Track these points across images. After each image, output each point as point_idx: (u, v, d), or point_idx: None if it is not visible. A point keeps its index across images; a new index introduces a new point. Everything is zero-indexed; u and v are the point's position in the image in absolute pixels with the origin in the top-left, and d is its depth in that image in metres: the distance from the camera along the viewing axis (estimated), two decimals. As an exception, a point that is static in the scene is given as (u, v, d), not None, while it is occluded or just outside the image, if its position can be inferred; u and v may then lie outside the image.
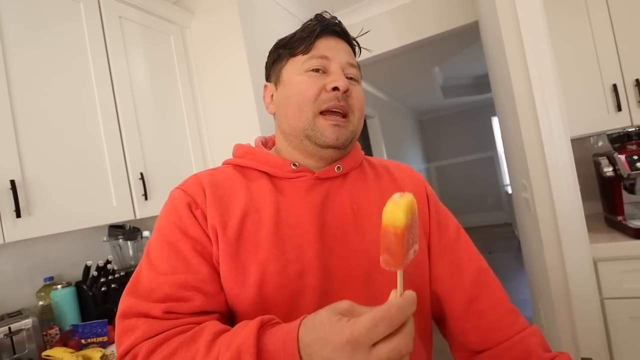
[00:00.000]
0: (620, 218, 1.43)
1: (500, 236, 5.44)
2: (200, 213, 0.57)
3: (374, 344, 0.35)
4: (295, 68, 0.63)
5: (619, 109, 1.51)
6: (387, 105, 4.75)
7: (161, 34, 1.72)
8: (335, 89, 0.59)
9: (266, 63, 0.70)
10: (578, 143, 1.81)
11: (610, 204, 1.51)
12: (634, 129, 1.44)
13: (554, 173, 1.31)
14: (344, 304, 0.39)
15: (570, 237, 1.29)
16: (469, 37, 2.72)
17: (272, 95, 0.68)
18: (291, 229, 0.58)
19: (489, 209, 6.50)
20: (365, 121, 3.92)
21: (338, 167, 0.64)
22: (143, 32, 1.63)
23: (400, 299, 0.36)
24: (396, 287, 0.60)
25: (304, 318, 0.41)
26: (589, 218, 1.59)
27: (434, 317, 0.71)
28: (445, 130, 6.80)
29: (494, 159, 6.43)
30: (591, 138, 1.85)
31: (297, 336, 0.39)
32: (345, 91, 0.60)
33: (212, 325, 0.48)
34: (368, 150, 4.03)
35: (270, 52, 0.69)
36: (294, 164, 0.63)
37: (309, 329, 0.39)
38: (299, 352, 0.38)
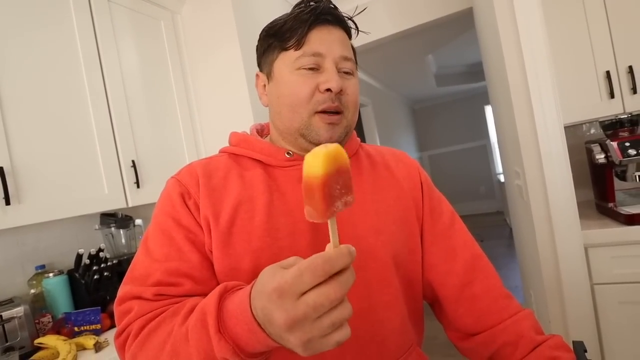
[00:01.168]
0: (611, 205, 1.45)
1: (492, 224, 5.51)
2: (193, 203, 0.58)
3: (305, 293, 0.35)
4: (287, 65, 0.60)
5: (612, 96, 1.51)
6: (381, 93, 4.73)
7: (151, 19, 1.68)
8: (328, 89, 0.58)
9: (257, 48, 0.67)
10: (571, 130, 1.82)
11: (602, 191, 1.53)
12: (626, 116, 1.45)
13: (547, 160, 1.31)
14: (290, 259, 0.39)
15: (562, 223, 1.30)
16: (463, 24, 2.70)
17: (264, 85, 0.66)
18: (284, 217, 0.58)
19: (481, 198, 6.56)
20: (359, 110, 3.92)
21: None
22: (133, 17, 1.59)
23: (328, 251, 0.36)
24: (387, 276, 0.61)
25: None
26: (581, 205, 1.61)
27: (428, 301, 0.71)
28: (439, 119, 6.81)
29: (486, 148, 6.47)
30: (584, 125, 1.86)
31: (250, 292, 0.41)
32: (339, 91, 0.58)
33: (194, 300, 0.50)
34: (362, 139, 4.03)
35: (261, 39, 0.65)
36: (288, 153, 0.63)
37: (256, 284, 0.41)
38: (250, 306, 0.40)
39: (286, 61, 0.60)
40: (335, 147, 0.37)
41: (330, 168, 0.36)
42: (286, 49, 0.60)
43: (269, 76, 0.64)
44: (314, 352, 0.37)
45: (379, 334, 0.59)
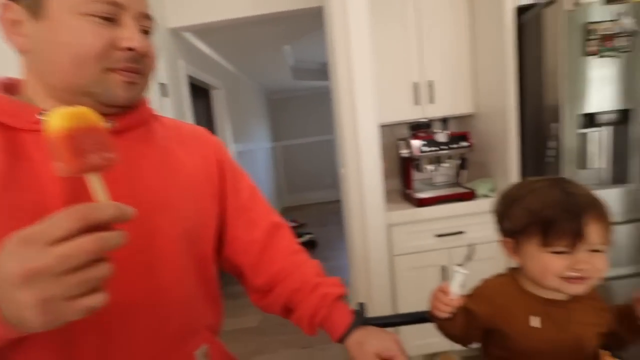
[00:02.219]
0: (409, 191, 1.79)
1: (333, 211, 6.10)
2: None
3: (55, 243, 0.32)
4: (69, 5, 0.47)
5: (417, 103, 1.86)
6: (235, 77, 4.66)
7: None
8: (130, 49, 0.50)
9: None
10: (390, 129, 2.14)
11: (405, 180, 1.87)
12: (424, 120, 1.80)
13: (363, 153, 1.54)
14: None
15: (371, 206, 1.56)
16: (317, 21, 2.86)
17: (14, 22, 0.49)
18: (29, 193, 0.47)
19: (327, 187, 7.18)
20: (208, 92, 3.74)
21: (107, 123, 0.52)
22: None
23: (87, 204, 0.34)
24: (176, 255, 0.58)
25: None
26: (393, 192, 1.93)
27: (232, 273, 0.74)
28: (294, 111, 7.13)
29: (333, 142, 7.09)
30: (400, 126, 2.22)
31: None
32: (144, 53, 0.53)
33: None
34: (210, 124, 3.86)
35: None
36: (41, 112, 0.49)
37: None
38: None
39: (71, 1, 0.48)
40: (81, 107, 0.38)
41: (72, 123, 0.36)
42: None
43: (35, 13, 0.48)
44: (54, 319, 0.32)
45: (161, 315, 0.56)
